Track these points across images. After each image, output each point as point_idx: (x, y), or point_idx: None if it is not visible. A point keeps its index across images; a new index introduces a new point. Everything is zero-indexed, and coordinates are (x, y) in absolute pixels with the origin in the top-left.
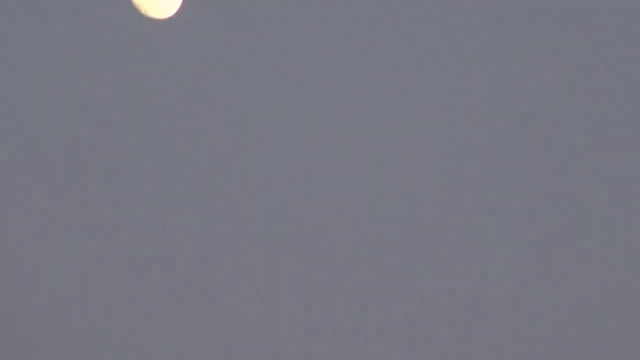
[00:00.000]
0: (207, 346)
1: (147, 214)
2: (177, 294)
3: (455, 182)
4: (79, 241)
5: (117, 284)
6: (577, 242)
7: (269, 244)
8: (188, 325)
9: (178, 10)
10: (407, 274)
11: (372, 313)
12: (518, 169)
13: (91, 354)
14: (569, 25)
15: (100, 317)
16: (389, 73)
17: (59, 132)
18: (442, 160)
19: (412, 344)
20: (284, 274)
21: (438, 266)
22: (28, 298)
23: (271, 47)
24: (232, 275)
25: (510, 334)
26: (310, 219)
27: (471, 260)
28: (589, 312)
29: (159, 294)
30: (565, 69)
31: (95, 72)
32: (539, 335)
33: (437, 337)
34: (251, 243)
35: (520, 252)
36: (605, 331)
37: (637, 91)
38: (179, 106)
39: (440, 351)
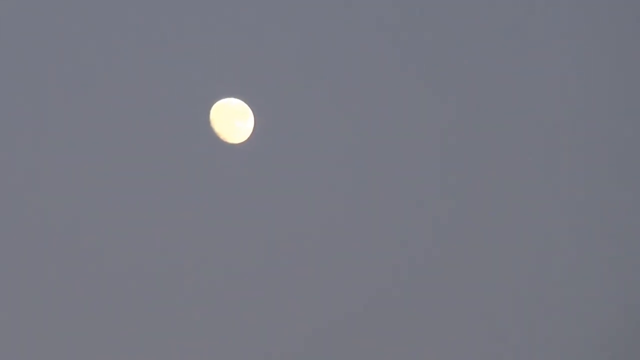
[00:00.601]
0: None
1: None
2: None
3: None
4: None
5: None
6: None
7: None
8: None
9: (249, 137)
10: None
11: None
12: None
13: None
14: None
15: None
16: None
17: (128, 252)
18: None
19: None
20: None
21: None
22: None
23: (338, 174)
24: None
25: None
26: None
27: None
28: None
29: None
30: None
31: (176, 190)
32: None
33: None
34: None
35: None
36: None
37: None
38: (253, 222)
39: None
